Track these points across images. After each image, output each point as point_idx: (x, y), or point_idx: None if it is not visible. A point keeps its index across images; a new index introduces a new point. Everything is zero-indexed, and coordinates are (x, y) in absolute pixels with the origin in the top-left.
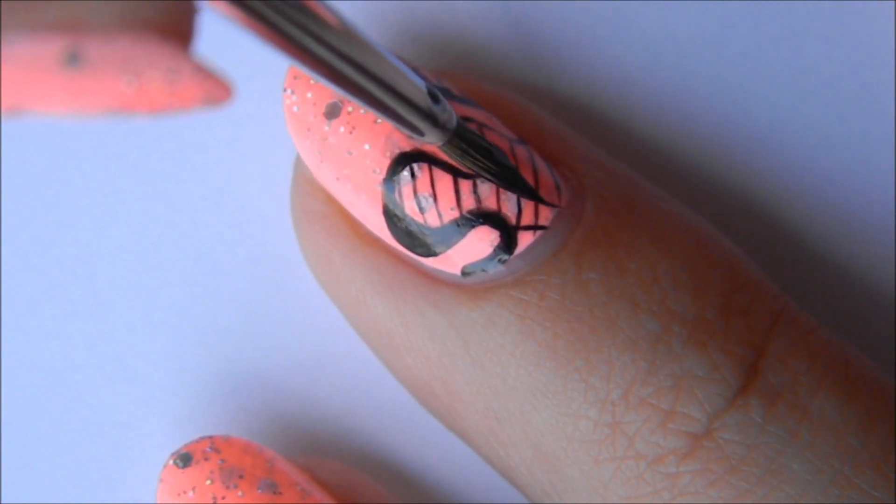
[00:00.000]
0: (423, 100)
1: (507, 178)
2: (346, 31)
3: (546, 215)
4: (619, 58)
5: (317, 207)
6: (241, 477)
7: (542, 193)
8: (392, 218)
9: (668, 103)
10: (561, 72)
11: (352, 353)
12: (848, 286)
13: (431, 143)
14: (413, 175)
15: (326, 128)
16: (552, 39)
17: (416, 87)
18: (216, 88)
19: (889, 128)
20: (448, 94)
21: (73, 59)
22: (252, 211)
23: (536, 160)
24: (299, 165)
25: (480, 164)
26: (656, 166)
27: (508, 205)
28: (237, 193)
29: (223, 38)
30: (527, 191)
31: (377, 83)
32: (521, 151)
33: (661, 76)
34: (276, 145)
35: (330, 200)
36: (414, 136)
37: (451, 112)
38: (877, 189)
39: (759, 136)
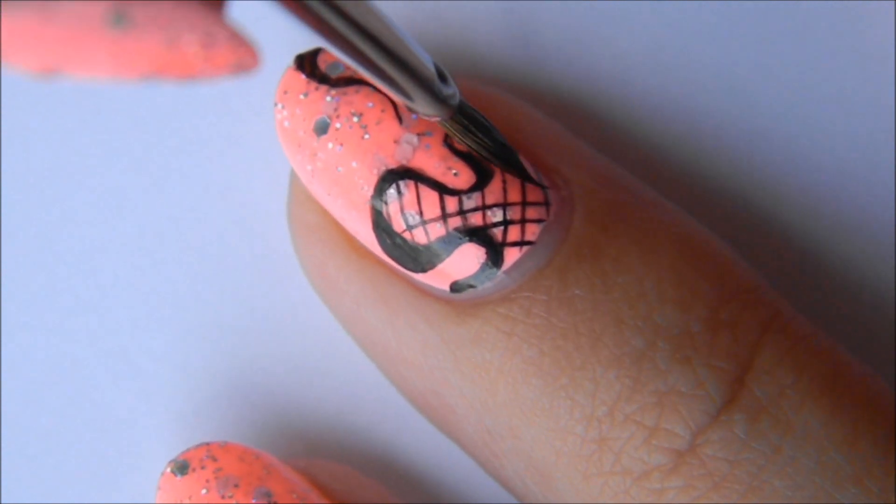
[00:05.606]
0: (431, 75)
1: (504, 157)
2: (360, 2)
3: (533, 230)
4: (619, 58)
5: (312, 219)
6: (236, 486)
7: (530, 208)
8: (382, 233)
9: (666, 102)
10: (559, 72)
11: (351, 356)
12: (848, 286)
13: (434, 117)
14: (399, 192)
15: (316, 144)
16: (550, 40)
17: (423, 62)
18: (247, 55)
19: (889, 128)
20: None
21: (119, 20)
22: (250, 216)
23: (527, 169)
24: (295, 177)
25: (480, 142)
26: (654, 165)
27: (494, 221)
28: (236, 198)
29: None
30: (522, 173)
31: (387, 54)
32: None
33: (659, 76)
34: (275, 154)
35: (325, 212)
36: (417, 110)
37: (455, 89)
38: (877, 189)
39: (758, 137)
